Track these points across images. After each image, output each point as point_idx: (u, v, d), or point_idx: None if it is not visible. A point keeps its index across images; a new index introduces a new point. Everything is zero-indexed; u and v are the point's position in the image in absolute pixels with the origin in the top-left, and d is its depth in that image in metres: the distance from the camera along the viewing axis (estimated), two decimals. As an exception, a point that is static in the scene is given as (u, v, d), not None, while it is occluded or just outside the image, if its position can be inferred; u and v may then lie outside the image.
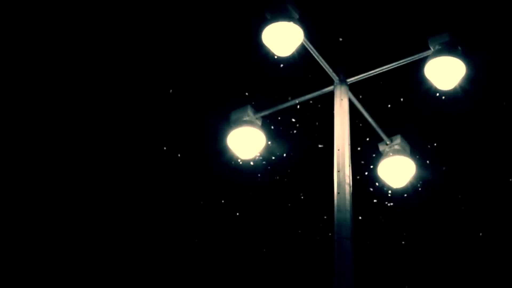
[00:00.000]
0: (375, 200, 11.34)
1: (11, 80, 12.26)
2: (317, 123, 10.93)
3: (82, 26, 12.04)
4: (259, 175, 11.49)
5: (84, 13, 11.96)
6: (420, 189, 9.58)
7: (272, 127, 9.25)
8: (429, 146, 11.29)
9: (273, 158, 10.40)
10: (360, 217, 11.30)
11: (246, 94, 10.61)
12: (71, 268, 13.40)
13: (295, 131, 11.02)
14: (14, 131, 12.56)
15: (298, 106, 9.02)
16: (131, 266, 13.54)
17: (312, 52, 8.45)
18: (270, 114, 8.93)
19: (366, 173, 10.08)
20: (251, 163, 9.34)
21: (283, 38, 8.22)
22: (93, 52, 12.21)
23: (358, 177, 10.36)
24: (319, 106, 9.55)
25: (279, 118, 9.68)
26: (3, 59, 12.11)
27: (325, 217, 12.05)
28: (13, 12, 11.87)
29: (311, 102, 8.95)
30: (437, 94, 8.91)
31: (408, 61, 8.64)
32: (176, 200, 13.10)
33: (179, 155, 12.56)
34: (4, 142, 12.59)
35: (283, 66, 9.25)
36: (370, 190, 10.34)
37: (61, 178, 12.97)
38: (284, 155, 11.21)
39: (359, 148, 9.52)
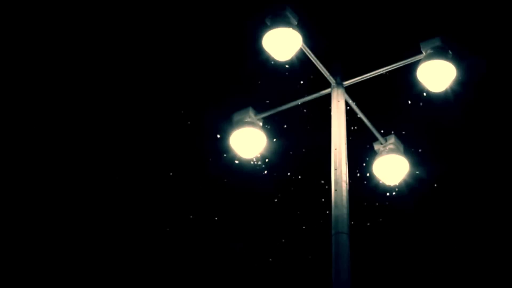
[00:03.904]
0: (370, 197, 11.47)
1: (11, 80, 12.16)
2: (315, 124, 11.09)
3: (81, 26, 11.93)
4: (259, 173, 11.61)
5: (83, 13, 11.85)
6: (413, 186, 9.70)
7: (273, 128, 9.39)
8: (421, 146, 11.43)
9: (273, 157, 10.49)
10: (356, 213, 11.39)
11: (248, 96, 10.74)
12: (70, 268, 13.38)
13: (294, 131, 11.14)
14: (14, 131, 12.48)
15: (298, 107, 9.18)
16: (130, 267, 13.42)
17: (310, 57, 8.52)
18: (270, 115, 9.01)
19: (362, 171, 10.26)
20: (252, 162, 9.51)
21: (282, 43, 8.30)
22: (94, 54, 12.11)
23: (354, 175, 10.57)
24: (317, 107, 9.69)
25: (279, 119, 9.81)
26: (3, 59, 12.02)
27: (324, 212, 12.18)
28: (13, 12, 11.76)
29: (308, 103, 9.01)
30: (429, 96, 9.12)
31: (402, 65, 8.71)
32: (178, 200, 13.04)
33: (181, 155, 12.63)
34: (4, 142, 12.51)
35: (282, 70, 9.37)
36: (365, 187, 10.47)
37: (60, 179, 12.86)
38: (284, 154, 11.33)
39: (355, 148, 9.69)
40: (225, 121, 9.13)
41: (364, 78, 8.79)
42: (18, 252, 13.19)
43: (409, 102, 10.82)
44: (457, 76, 8.65)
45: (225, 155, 9.25)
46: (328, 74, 8.64)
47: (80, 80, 12.34)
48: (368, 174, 9.51)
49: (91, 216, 13.18)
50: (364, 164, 9.86)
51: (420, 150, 11.21)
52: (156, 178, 12.92)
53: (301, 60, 8.62)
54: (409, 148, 9.42)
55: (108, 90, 12.38)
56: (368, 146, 9.37)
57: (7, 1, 11.81)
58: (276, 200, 12.50)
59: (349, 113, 8.60)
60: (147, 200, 13.12)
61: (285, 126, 10.90)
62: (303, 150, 11.62)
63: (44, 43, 12.03)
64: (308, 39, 8.51)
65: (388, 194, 10.04)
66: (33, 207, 13.03)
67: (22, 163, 12.77)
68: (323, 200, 11.94)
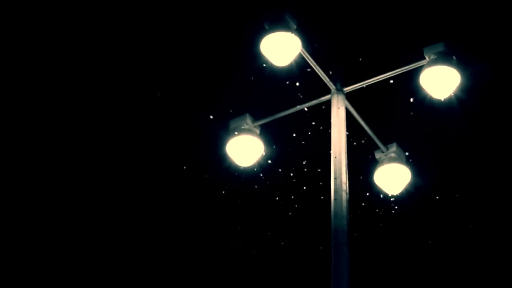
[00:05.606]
0: (371, 207, 11.39)
1: (11, 80, 12.20)
2: (314, 131, 11.00)
3: (80, 26, 12.01)
4: (257, 182, 11.55)
5: (82, 13, 11.98)
6: (415, 195, 9.63)
7: (271, 135, 9.30)
8: (424, 154, 11.35)
9: (271, 165, 10.45)
10: (356, 223, 11.31)
11: (245, 102, 10.66)
12: (70, 268, 13.42)
13: (292, 139, 11.07)
14: (14, 131, 12.53)
15: (297, 114, 9.08)
16: (130, 267, 13.51)
17: (309, 62, 8.48)
18: (268, 123, 8.97)
19: (363, 180, 10.14)
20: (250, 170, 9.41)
21: (281, 48, 8.26)
22: (93, 59, 12.15)
23: (354, 184, 10.42)
24: (317, 114, 9.61)
25: (277, 126, 9.73)
26: (3, 59, 12.07)
27: (322, 223, 12.09)
28: (13, 12, 11.83)
29: (307, 110, 8.99)
30: (432, 103, 8.99)
31: (404, 71, 8.68)
32: (175, 207, 13.11)
33: (178, 162, 12.62)
34: (4, 142, 12.57)
35: (281, 76, 9.31)
36: (366, 197, 10.40)
37: (58, 181, 12.95)
38: (282, 162, 11.26)
39: (355, 156, 9.58)
40: (221, 128, 9.12)
41: (365, 84, 8.75)
42: (18, 252, 13.29)
43: (412, 109, 10.69)
44: (461, 83, 8.60)
45: (222, 162, 9.10)
46: (328, 80, 8.59)
47: (79, 85, 12.46)
48: (369, 184, 9.32)
49: (90, 217, 13.29)
50: (365, 173, 9.69)
51: (423, 159, 11.07)
52: (153, 181, 12.99)
53: (300, 65, 8.59)
54: (412, 156, 9.39)
55: (105, 93, 12.44)
56: (368, 154, 9.37)
57: (7, 1, 11.84)
58: (272, 209, 12.43)
59: (350, 121, 8.55)
60: (146, 202, 13.19)
61: (283, 133, 10.81)
62: (302, 158, 11.51)
63: (44, 43, 12.13)
64: (308, 44, 8.48)
65: (389, 204, 9.90)
66: (33, 207, 13.11)
67: (22, 163, 12.88)
68: (322, 210, 11.83)
